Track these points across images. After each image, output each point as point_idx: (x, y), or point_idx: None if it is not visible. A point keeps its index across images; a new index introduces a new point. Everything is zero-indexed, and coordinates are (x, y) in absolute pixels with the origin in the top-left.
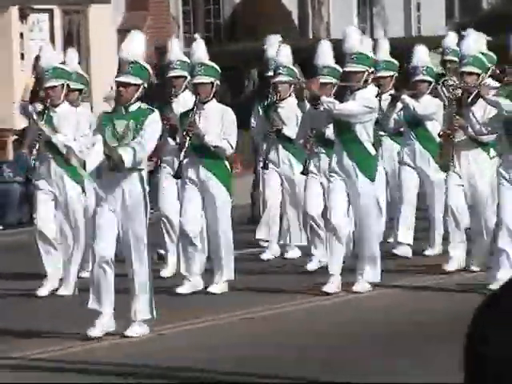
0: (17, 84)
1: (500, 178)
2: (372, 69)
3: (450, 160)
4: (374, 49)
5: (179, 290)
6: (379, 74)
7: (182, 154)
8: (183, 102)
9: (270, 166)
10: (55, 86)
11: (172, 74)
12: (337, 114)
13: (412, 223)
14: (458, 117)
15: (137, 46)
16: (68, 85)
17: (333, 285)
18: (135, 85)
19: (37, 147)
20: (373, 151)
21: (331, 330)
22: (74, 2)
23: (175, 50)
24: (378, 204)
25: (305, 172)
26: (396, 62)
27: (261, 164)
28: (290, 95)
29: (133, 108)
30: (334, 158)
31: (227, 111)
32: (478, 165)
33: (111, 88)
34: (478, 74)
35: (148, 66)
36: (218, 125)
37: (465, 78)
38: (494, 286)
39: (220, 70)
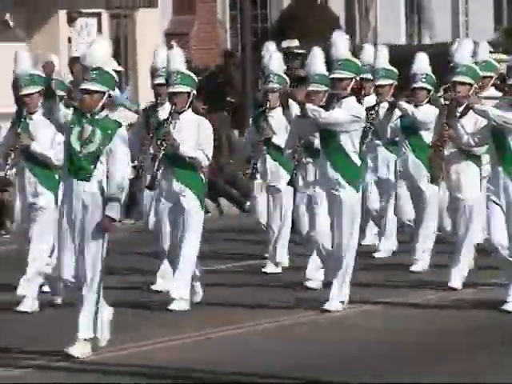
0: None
1: (488, 191)
2: (369, 76)
3: (440, 172)
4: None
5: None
6: (378, 83)
7: (156, 164)
8: (188, 119)
9: (259, 176)
10: (32, 94)
11: (157, 81)
12: (322, 122)
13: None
14: (447, 127)
15: (101, 52)
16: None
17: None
18: (100, 92)
19: (12, 156)
20: (358, 162)
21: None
22: (121, 6)
23: (161, 57)
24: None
25: (292, 183)
26: (395, 70)
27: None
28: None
29: (99, 116)
30: (319, 169)
31: (203, 122)
32: (467, 178)
33: None
34: (471, 84)
35: (113, 74)
36: (194, 135)
37: (456, 87)
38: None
39: (195, 80)
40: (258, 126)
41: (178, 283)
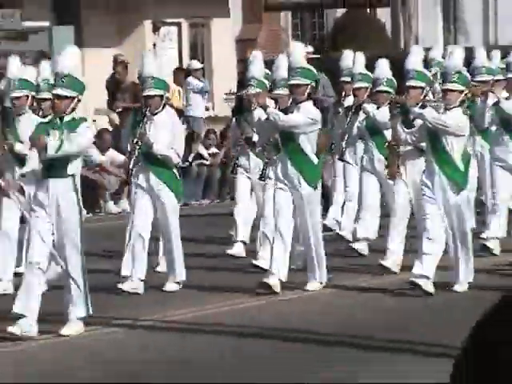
0: None
1: (423, 187)
2: (348, 79)
3: (397, 169)
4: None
5: (121, 286)
6: (355, 86)
7: (132, 161)
8: (160, 121)
9: (241, 171)
10: (19, 97)
11: (147, 92)
12: (282, 124)
13: (373, 225)
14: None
15: (70, 59)
16: (33, 96)
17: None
18: (69, 97)
19: (136, 153)
20: (316, 160)
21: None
22: (199, 16)
23: (148, 65)
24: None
25: (262, 178)
26: (371, 74)
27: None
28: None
29: (67, 118)
30: (279, 167)
31: (176, 123)
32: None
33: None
34: (422, 88)
35: (82, 79)
36: (167, 135)
37: (409, 91)
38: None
39: (167, 84)
40: (240, 125)
41: (174, 271)
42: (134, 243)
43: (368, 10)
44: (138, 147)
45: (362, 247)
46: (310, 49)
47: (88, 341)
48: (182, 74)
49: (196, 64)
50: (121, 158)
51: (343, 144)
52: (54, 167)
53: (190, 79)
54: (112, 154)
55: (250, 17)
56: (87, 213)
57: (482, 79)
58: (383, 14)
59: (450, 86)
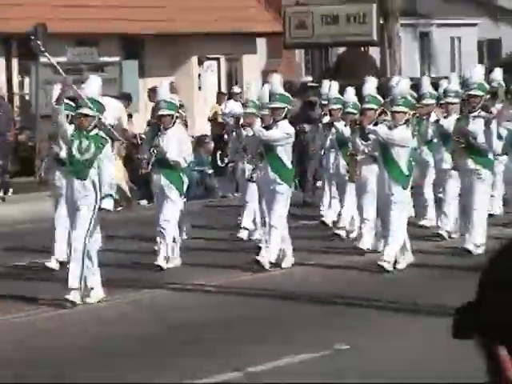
0: (196, 108)
1: (378, 188)
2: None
3: (355, 173)
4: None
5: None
6: (331, 107)
7: (150, 166)
8: (172, 134)
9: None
10: (166, 115)
11: (161, 112)
12: (264, 139)
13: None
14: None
15: (94, 87)
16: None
17: (264, 259)
18: (92, 116)
19: (151, 161)
20: (290, 166)
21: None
22: (233, 52)
23: (162, 92)
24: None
25: (251, 179)
26: (342, 98)
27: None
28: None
29: (92, 133)
30: (262, 171)
31: (183, 136)
32: (374, 177)
33: None
34: (375, 110)
35: (102, 101)
36: (177, 145)
37: (366, 112)
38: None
39: (177, 106)
40: (239, 137)
41: (163, 248)
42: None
43: (362, 48)
44: (154, 155)
45: (342, 233)
46: (310, 78)
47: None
48: (223, 96)
49: (237, 89)
50: None
51: (321, 152)
52: (78, 172)
53: (232, 102)
54: None
55: (273, 53)
56: (148, 203)
57: (427, 102)
58: (374, 51)
59: (396, 108)
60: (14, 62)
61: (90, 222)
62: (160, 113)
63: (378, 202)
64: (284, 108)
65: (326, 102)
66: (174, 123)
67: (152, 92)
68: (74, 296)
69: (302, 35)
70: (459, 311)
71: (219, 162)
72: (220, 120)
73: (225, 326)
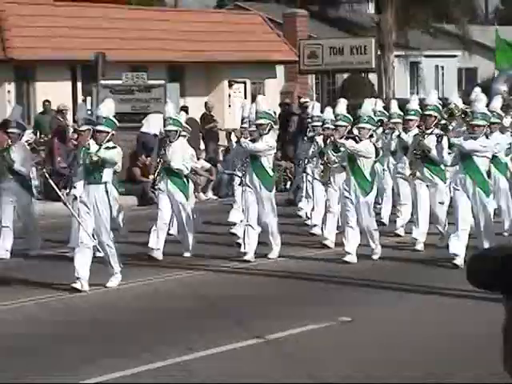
0: (226, 122)
1: (344, 190)
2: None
3: (326, 177)
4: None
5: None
6: (313, 124)
7: (156, 173)
8: (176, 146)
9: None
10: (13, 132)
11: (167, 128)
12: (249, 150)
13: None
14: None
15: (108, 107)
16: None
17: (249, 256)
18: (106, 132)
19: (159, 169)
20: (272, 173)
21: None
22: (257, 77)
23: (170, 110)
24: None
25: (242, 184)
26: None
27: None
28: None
29: (104, 146)
30: (248, 176)
31: (186, 148)
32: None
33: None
34: (346, 126)
35: (115, 120)
36: (180, 156)
37: (338, 128)
38: None
39: (181, 122)
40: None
41: (185, 242)
42: (158, 228)
43: (363, 74)
44: (161, 163)
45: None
46: (307, 99)
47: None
48: None
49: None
50: (207, 165)
51: (305, 161)
52: (92, 176)
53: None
54: (202, 162)
55: (289, 78)
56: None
57: (395, 121)
58: (372, 77)
59: (361, 125)
60: (79, 85)
61: (109, 219)
62: (166, 128)
63: (343, 203)
64: (268, 124)
65: (309, 120)
66: (178, 137)
67: (209, 108)
68: (83, 284)
69: (314, 63)
70: (476, 258)
71: None
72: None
73: (242, 302)
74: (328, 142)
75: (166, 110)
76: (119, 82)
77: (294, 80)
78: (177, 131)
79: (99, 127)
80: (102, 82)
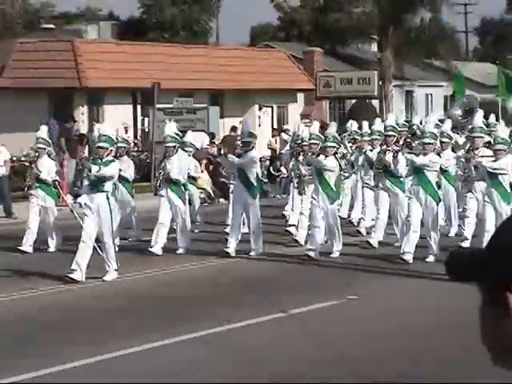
0: (258, 139)
1: (312, 199)
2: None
3: (301, 188)
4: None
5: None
6: (297, 141)
7: (158, 182)
8: (176, 160)
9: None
10: (40, 148)
11: (167, 144)
12: (237, 164)
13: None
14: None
15: (107, 128)
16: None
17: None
18: (106, 148)
19: (160, 177)
20: (256, 183)
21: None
22: (282, 102)
23: (170, 129)
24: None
25: (231, 192)
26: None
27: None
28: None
29: (104, 160)
30: (235, 186)
31: (182, 160)
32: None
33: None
34: (318, 144)
35: (114, 137)
36: (177, 168)
37: (311, 145)
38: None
39: (179, 139)
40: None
41: (180, 238)
42: (158, 228)
43: (367, 100)
44: (161, 174)
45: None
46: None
47: (128, 282)
48: (277, 131)
49: (286, 126)
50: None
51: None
52: (96, 186)
53: (284, 134)
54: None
55: (308, 102)
56: (224, 200)
57: (364, 139)
58: (375, 103)
59: (327, 144)
60: (138, 108)
61: (111, 223)
62: (166, 145)
63: (311, 208)
64: (251, 142)
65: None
66: (176, 151)
67: (232, 130)
68: (80, 275)
69: (327, 91)
70: (453, 255)
71: (273, 172)
72: (272, 146)
73: (267, 282)
74: (300, 157)
75: (165, 130)
76: (171, 105)
77: (311, 104)
78: (175, 147)
79: (100, 144)
80: (157, 105)
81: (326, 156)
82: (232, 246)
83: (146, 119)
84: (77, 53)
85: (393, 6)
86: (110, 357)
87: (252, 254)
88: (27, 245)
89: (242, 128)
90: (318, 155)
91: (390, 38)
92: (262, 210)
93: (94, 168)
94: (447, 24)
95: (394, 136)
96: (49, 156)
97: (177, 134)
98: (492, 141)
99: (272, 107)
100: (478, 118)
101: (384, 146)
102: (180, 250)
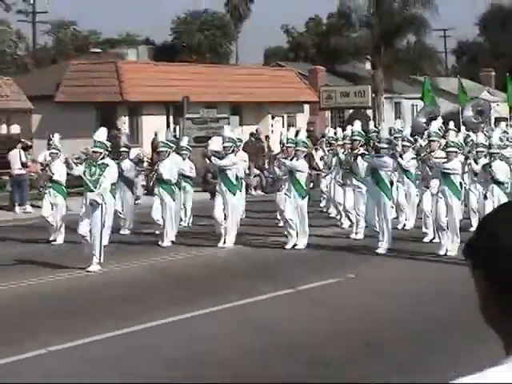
0: (271, 143)
1: (286, 196)
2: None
3: (279, 187)
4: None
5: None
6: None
7: (151, 182)
8: (170, 162)
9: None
10: (52, 153)
11: (159, 149)
12: (218, 165)
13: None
14: (282, 159)
15: (101, 134)
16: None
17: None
18: (99, 152)
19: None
20: (235, 181)
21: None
22: (291, 112)
23: (160, 137)
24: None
25: (215, 191)
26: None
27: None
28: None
29: (99, 162)
30: (218, 186)
31: (175, 163)
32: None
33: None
34: (292, 148)
35: (107, 143)
36: (169, 169)
37: (288, 148)
38: None
39: (171, 145)
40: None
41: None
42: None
43: (362, 110)
44: (154, 174)
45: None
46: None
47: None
48: (316, 138)
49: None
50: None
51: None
52: (90, 189)
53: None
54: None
55: (313, 112)
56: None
57: (337, 143)
58: (369, 112)
59: (298, 147)
60: (171, 118)
61: (101, 219)
62: (159, 150)
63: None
64: (231, 146)
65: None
66: (168, 155)
67: (252, 135)
68: (95, 267)
69: (329, 103)
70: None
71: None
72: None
73: (278, 263)
74: (274, 160)
75: (158, 137)
76: (197, 115)
77: (315, 114)
78: (167, 151)
79: (94, 148)
80: (186, 115)
81: (298, 158)
82: (222, 237)
83: (177, 127)
84: (119, 72)
85: (383, 31)
86: (130, 331)
87: (227, 245)
88: (52, 236)
89: (223, 133)
90: (292, 158)
91: (381, 58)
92: (261, 204)
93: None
94: (429, 46)
95: (359, 141)
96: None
97: (169, 141)
98: (445, 144)
99: (283, 116)
100: (435, 125)
101: (350, 150)
102: (165, 243)
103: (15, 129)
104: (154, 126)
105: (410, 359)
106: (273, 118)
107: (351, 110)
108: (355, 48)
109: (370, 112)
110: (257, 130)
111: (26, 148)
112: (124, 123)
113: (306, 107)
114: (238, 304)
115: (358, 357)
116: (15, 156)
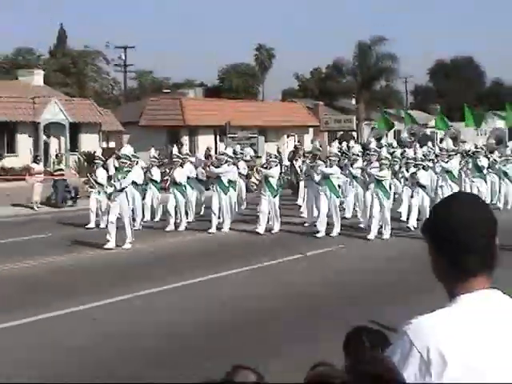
0: (285, 154)
1: (261, 195)
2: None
3: (258, 185)
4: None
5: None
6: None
7: (168, 183)
8: (179, 169)
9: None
10: (96, 162)
11: (173, 160)
12: (213, 172)
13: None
14: (260, 168)
15: (126, 149)
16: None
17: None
18: (125, 163)
19: (168, 181)
20: (227, 184)
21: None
22: (300, 133)
23: (175, 151)
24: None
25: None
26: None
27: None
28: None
29: (125, 169)
30: (213, 186)
31: (186, 170)
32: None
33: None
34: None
35: (130, 155)
36: (182, 174)
37: (269, 162)
38: None
39: (181, 156)
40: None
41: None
42: (169, 215)
43: (349, 132)
44: (170, 179)
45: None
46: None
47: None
48: (298, 151)
49: (300, 146)
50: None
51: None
52: (119, 188)
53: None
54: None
55: (316, 133)
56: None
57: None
58: (354, 133)
59: (270, 159)
60: (217, 137)
61: (129, 209)
62: (173, 160)
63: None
64: (224, 158)
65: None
66: (181, 165)
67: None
68: (111, 244)
69: (327, 127)
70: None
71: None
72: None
73: (285, 244)
74: (254, 170)
75: (172, 149)
76: (236, 135)
77: (317, 135)
78: (179, 161)
79: (121, 160)
80: (229, 135)
81: (271, 168)
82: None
83: (222, 144)
84: (182, 105)
85: (364, 78)
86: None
87: (224, 229)
88: (92, 223)
89: (220, 149)
90: (266, 167)
91: (362, 97)
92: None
93: (116, 185)
94: (395, 88)
95: (317, 154)
96: (103, 167)
97: (180, 153)
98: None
99: (294, 136)
100: (373, 144)
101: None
102: (169, 228)
103: (111, 144)
104: (206, 142)
105: (375, 307)
106: (288, 137)
107: (341, 132)
108: (345, 89)
109: (354, 133)
110: (277, 146)
111: (118, 157)
112: (185, 141)
113: (311, 130)
114: (231, 273)
115: (334, 307)
116: (110, 163)
